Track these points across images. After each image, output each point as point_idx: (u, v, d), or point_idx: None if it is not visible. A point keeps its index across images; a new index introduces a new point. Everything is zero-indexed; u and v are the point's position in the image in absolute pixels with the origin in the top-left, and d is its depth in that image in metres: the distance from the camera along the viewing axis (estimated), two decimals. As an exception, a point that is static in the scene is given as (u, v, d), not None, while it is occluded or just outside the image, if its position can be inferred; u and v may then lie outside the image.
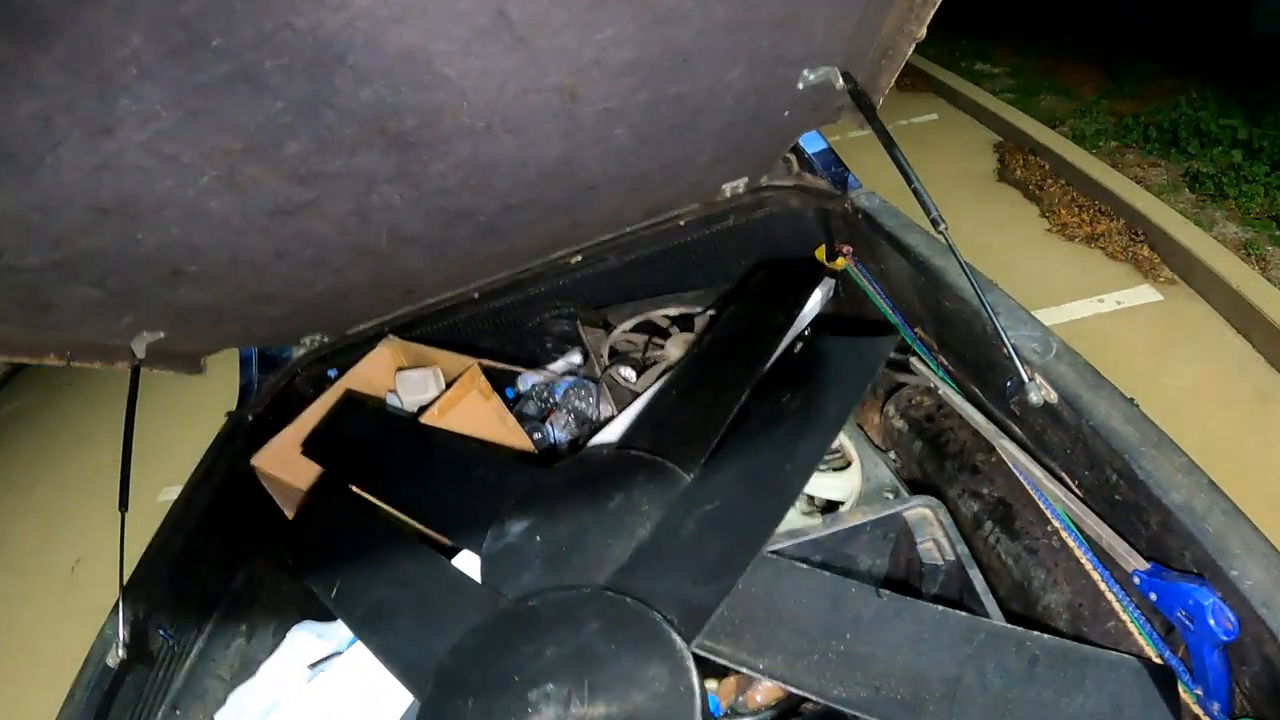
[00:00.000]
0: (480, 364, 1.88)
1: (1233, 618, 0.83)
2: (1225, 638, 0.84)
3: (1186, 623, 0.87)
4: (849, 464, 1.47)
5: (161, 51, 0.85)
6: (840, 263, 1.85)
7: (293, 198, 1.22)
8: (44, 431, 7.15)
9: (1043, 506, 1.14)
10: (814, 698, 0.97)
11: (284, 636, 1.54)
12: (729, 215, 1.96)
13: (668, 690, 0.97)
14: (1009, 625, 1.00)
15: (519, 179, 1.40)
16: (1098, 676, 0.91)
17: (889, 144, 1.33)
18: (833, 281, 1.80)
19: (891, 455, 1.58)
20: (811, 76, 1.35)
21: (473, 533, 1.33)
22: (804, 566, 1.11)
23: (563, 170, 1.42)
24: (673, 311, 2.05)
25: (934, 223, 1.28)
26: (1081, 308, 3.40)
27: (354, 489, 1.60)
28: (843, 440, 1.50)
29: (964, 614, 1.00)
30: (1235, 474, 2.34)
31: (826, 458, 1.50)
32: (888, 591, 1.04)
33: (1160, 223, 3.57)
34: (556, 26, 1.02)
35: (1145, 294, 3.41)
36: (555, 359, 2.16)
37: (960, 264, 1.26)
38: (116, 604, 1.47)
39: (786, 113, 1.46)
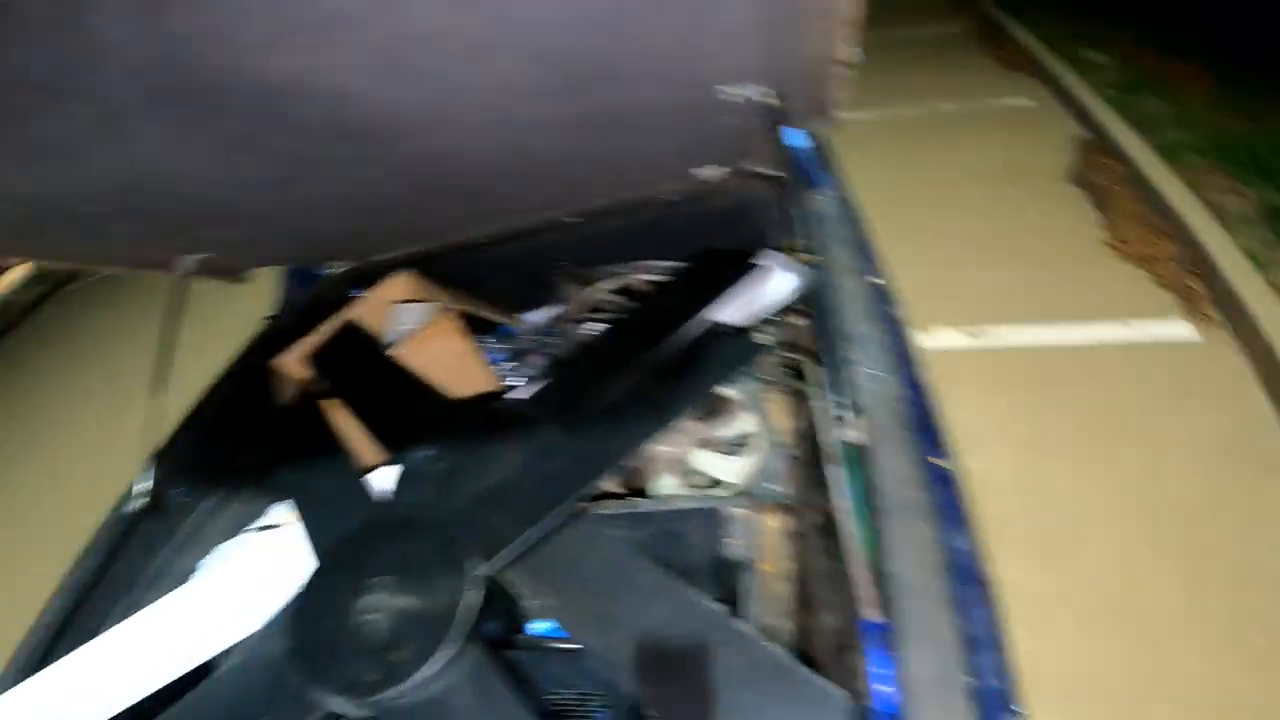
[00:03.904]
0: (469, 309, 2.13)
1: (893, 694, 0.93)
2: (879, 707, 0.94)
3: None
4: (751, 451, 1.65)
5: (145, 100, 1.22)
6: (807, 258, 1.96)
7: (283, 174, 1.54)
8: (137, 295, 7.79)
9: (847, 538, 1.24)
10: (565, 631, 1.22)
11: (271, 509, 1.82)
12: (711, 197, 2.09)
13: (451, 598, 1.21)
14: (747, 629, 1.15)
15: (482, 164, 1.66)
16: (801, 698, 1.03)
17: (791, 165, 1.62)
18: (792, 277, 1.91)
19: (796, 453, 1.75)
20: (739, 91, 1.47)
21: (398, 450, 1.65)
22: (613, 534, 1.32)
23: (517, 157, 1.66)
24: (656, 278, 2.24)
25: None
26: (1109, 331, 3.33)
27: (335, 399, 1.88)
28: (754, 429, 1.68)
29: (718, 608, 1.16)
30: (1201, 545, 2.44)
31: (733, 440, 1.68)
32: (662, 570, 1.22)
33: (1216, 257, 3.40)
34: (453, 66, 1.27)
35: (1180, 331, 3.28)
36: (548, 307, 2.39)
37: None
38: (147, 464, 1.79)
39: (731, 116, 1.57)
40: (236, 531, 1.83)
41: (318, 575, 1.39)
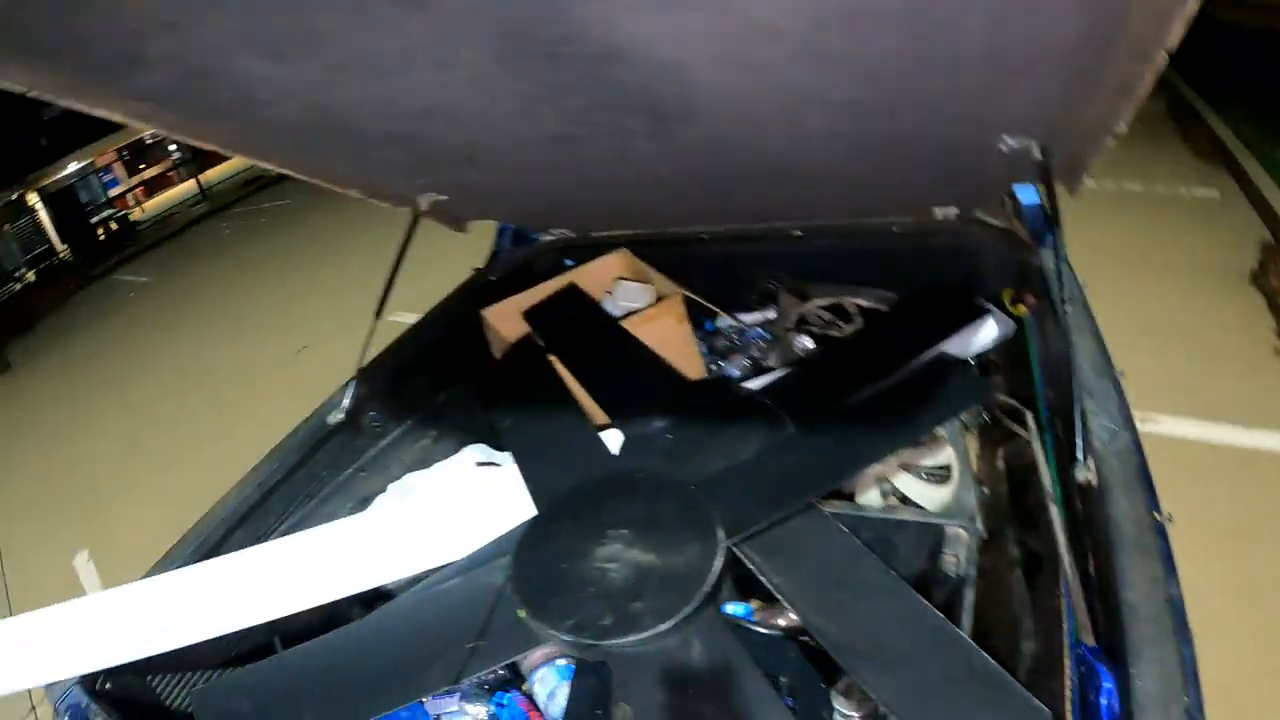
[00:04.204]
0: (687, 295, 2.22)
1: (1117, 707, 1.00)
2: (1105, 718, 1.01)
3: (1094, 699, 1.05)
4: (949, 482, 1.74)
5: (493, 32, 1.23)
6: (1021, 310, 2.03)
7: (567, 133, 1.60)
8: (298, 230, 8.18)
9: (1065, 570, 1.30)
10: (795, 615, 1.27)
11: (462, 448, 1.95)
12: (936, 235, 2.14)
13: (696, 561, 1.28)
14: (967, 638, 1.19)
15: (749, 161, 1.71)
16: (1012, 711, 1.08)
17: (1053, 220, 1.63)
18: (1008, 326, 1.99)
19: (984, 489, 1.82)
20: (1011, 142, 1.52)
21: (625, 416, 1.72)
22: (844, 530, 1.38)
23: (787, 162, 1.71)
24: (864, 303, 2.29)
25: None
26: (1267, 439, 3.25)
27: (549, 356, 1.98)
28: (953, 462, 1.76)
29: (940, 614, 1.21)
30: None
31: (934, 470, 1.77)
32: (894, 573, 1.28)
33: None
34: (783, 65, 1.29)
35: (1351, 446, 3.14)
36: (753, 311, 2.46)
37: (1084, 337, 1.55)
38: (349, 381, 1.92)
39: (991, 164, 1.64)
40: (425, 463, 1.93)
41: (545, 519, 1.48)
